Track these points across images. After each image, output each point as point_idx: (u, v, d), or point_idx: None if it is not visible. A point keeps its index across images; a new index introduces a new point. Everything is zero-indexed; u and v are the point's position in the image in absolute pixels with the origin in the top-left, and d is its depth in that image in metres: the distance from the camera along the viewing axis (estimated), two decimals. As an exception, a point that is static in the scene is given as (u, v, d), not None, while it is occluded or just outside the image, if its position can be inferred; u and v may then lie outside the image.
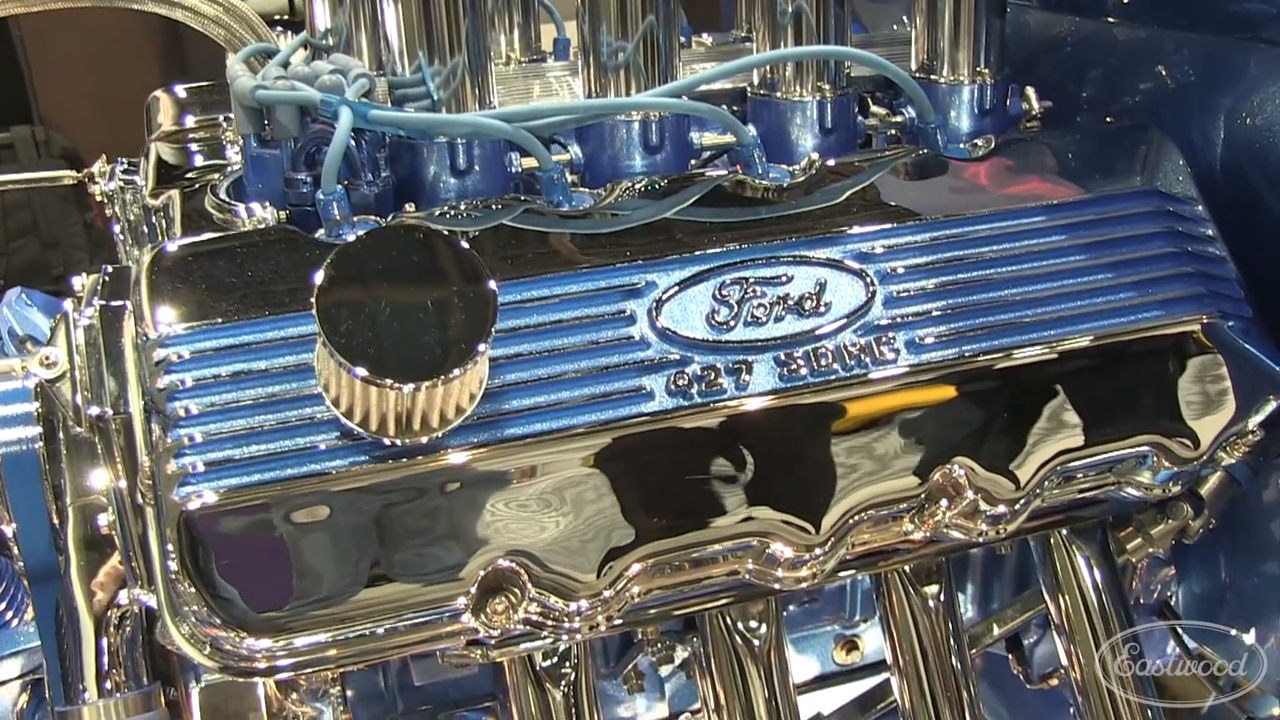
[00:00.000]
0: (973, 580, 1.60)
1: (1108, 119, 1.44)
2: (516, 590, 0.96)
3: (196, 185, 1.32)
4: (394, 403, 0.86)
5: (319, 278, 0.85)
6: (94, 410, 1.07)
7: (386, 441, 0.91)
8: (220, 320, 0.94)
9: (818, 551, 1.03)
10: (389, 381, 0.84)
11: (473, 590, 0.95)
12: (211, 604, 0.92)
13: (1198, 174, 1.25)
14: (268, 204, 1.14)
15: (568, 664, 1.17)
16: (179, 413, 0.91)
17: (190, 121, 1.57)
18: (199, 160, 1.51)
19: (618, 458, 0.96)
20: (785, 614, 1.53)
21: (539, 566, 0.96)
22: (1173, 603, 1.56)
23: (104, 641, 1.23)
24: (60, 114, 4.29)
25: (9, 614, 1.85)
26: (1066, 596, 1.29)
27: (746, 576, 1.06)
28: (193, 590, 0.91)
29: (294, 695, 1.42)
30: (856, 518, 1.04)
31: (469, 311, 0.86)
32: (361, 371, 0.83)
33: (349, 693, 1.36)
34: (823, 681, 1.60)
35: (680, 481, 0.99)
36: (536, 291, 0.99)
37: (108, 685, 1.24)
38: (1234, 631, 1.47)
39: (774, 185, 1.13)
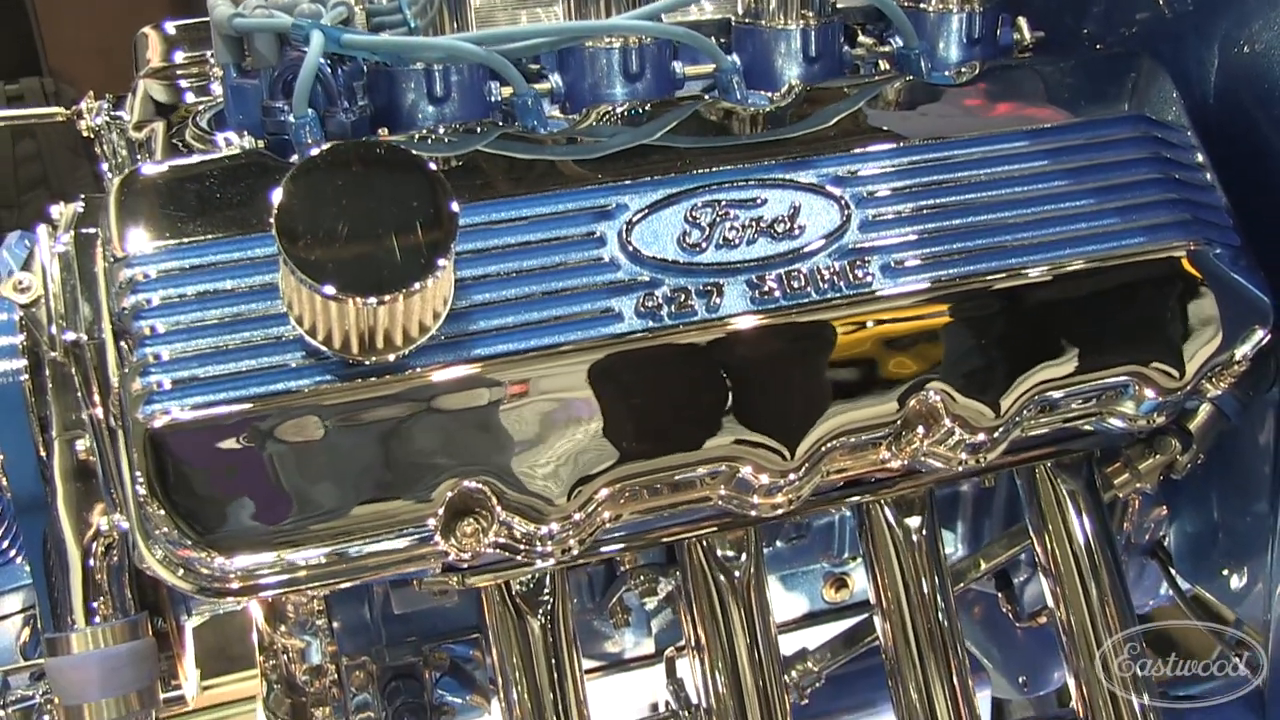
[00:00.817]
0: (963, 518, 1.59)
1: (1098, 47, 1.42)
2: (485, 513, 0.96)
3: (180, 118, 1.32)
4: (355, 319, 0.86)
5: (277, 194, 0.85)
6: (69, 336, 1.08)
7: (351, 360, 0.91)
8: (187, 241, 0.94)
9: (792, 477, 1.03)
10: (349, 296, 0.83)
11: (440, 512, 0.95)
12: (178, 523, 0.92)
13: (1193, 104, 1.23)
14: (245, 133, 1.13)
15: (545, 592, 1.17)
16: (144, 331, 0.91)
17: (179, 58, 1.57)
18: (188, 97, 1.50)
19: (585, 380, 0.96)
20: (773, 550, 1.53)
21: (507, 488, 0.95)
22: (1165, 543, 1.55)
23: (91, 571, 1.24)
24: (69, 65, 4.29)
25: (11, 550, 1.87)
26: (1051, 531, 1.28)
27: (721, 503, 1.05)
28: (160, 511, 0.91)
29: (282, 628, 1.43)
30: (831, 444, 1.03)
31: (429, 226, 0.85)
32: (320, 287, 0.83)
33: (335, 624, 1.37)
34: (813, 619, 1.60)
35: (650, 404, 0.98)
36: (505, 213, 0.99)
37: (95, 614, 1.25)
38: (1226, 571, 1.46)
39: (752, 111, 1.12)
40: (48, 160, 4.19)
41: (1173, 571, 1.54)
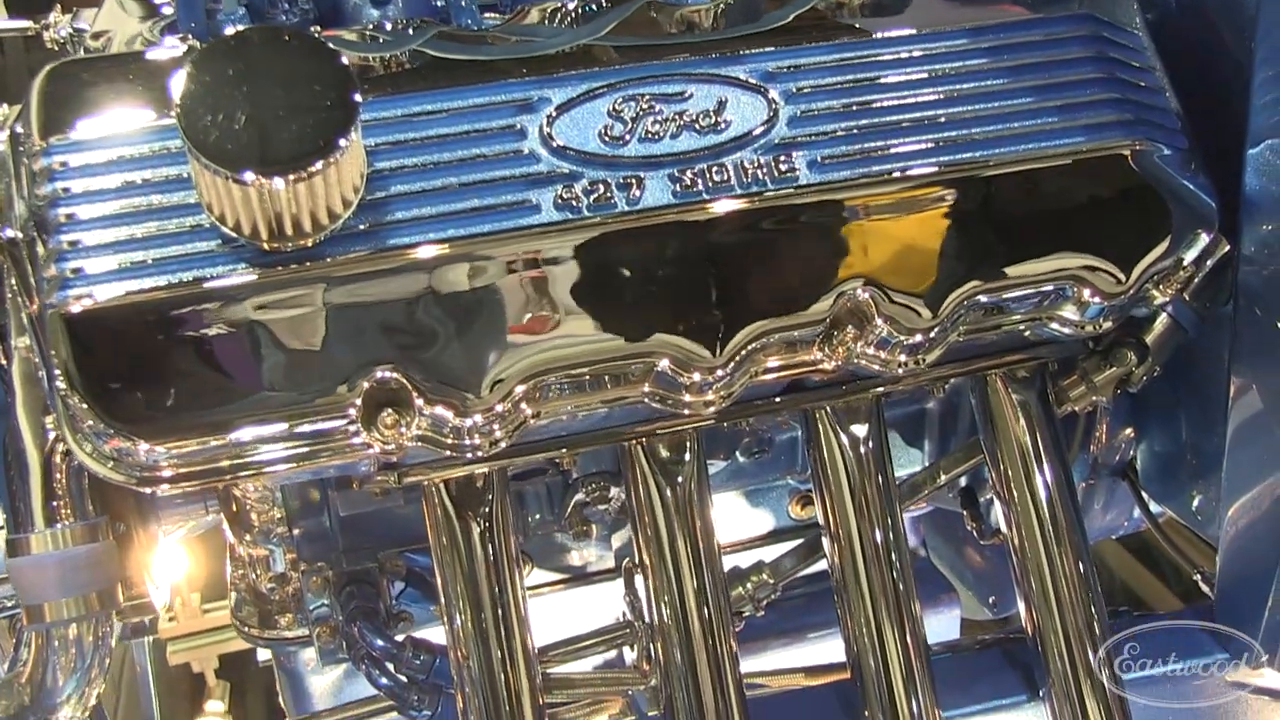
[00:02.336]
0: (930, 437, 1.59)
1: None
2: (405, 404, 0.97)
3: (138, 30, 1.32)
4: (259, 202, 0.86)
5: (179, 77, 0.85)
6: (8, 233, 1.09)
7: (268, 248, 0.91)
8: (105, 131, 0.95)
9: (720, 374, 1.02)
10: (249, 178, 0.84)
11: (359, 402, 0.96)
12: (97, 411, 0.93)
13: (1156, 10, 1.21)
14: (189, 36, 1.14)
15: (485, 495, 1.17)
16: (60, 219, 0.92)
17: (149, -29, 1.57)
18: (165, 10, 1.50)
19: (502, 271, 0.96)
20: (736, 465, 1.52)
21: (425, 380, 0.96)
22: (1135, 465, 1.53)
23: (51, 474, 1.26)
24: (87, -1, 4.28)
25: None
26: (1001, 443, 1.27)
27: (650, 402, 1.05)
28: (80, 402, 0.93)
29: (247, 537, 1.45)
30: (757, 342, 1.02)
31: (330, 109, 0.85)
32: (220, 169, 0.83)
33: (295, 532, 1.38)
34: (778, 536, 1.60)
35: (568, 297, 0.98)
36: (426, 105, 0.98)
37: (56, 517, 1.27)
38: (1194, 492, 1.44)
39: (688, 10, 1.11)
40: (12, 75, 4.18)
41: (1142, 493, 1.53)
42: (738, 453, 1.49)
